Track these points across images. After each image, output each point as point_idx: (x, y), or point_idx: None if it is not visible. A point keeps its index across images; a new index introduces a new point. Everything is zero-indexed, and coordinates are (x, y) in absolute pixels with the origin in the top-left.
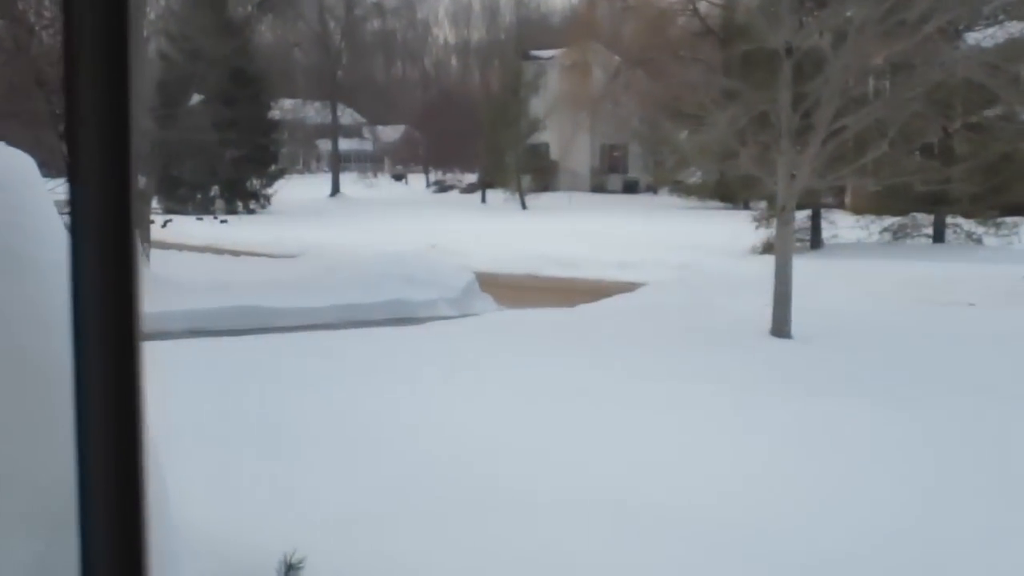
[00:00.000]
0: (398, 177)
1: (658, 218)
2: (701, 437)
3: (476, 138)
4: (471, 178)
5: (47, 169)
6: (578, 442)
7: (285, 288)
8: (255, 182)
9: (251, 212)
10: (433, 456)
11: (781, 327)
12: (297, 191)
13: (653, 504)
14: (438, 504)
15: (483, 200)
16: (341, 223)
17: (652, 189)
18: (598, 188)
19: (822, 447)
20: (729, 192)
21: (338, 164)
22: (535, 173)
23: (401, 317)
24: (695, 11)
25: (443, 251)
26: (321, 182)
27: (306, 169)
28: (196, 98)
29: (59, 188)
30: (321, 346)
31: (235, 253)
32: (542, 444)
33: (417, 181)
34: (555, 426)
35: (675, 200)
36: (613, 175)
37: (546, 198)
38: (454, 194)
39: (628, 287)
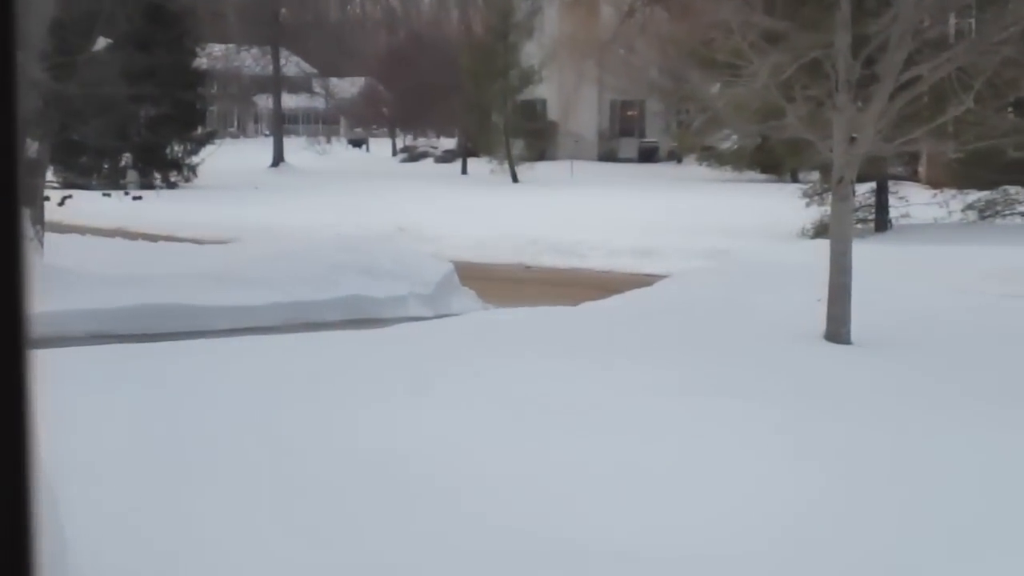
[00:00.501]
0: (357, 142)
1: (683, 193)
2: (748, 472)
3: (455, 93)
4: (448, 144)
5: None
6: (604, 486)
7: (215, 282)
8: (177, 148)
9: (172, 186)
10: (405, 497)
11: (837, 329)
12: (230, 159)
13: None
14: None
15: (464, 171)
16: (286, 200)
17: (675, 157)
18: (608, 156)
19: (910, 495)
20: (772, 160)
21: (281, 126)
22: (529, 137)
23: (361, 318)
24: None
25: (414, 235)
26: (260, 148)
27: (241, 132)
28: (102, 42)
29: None
30: (260, 354)
31: (152, 237)
32: (558, 487)
33: (381, 147)
34: (568, 464)
35: (704, 171)
36: (626, 140)
37: (543, 168)
38: (427, 164)
39: (645, 280)
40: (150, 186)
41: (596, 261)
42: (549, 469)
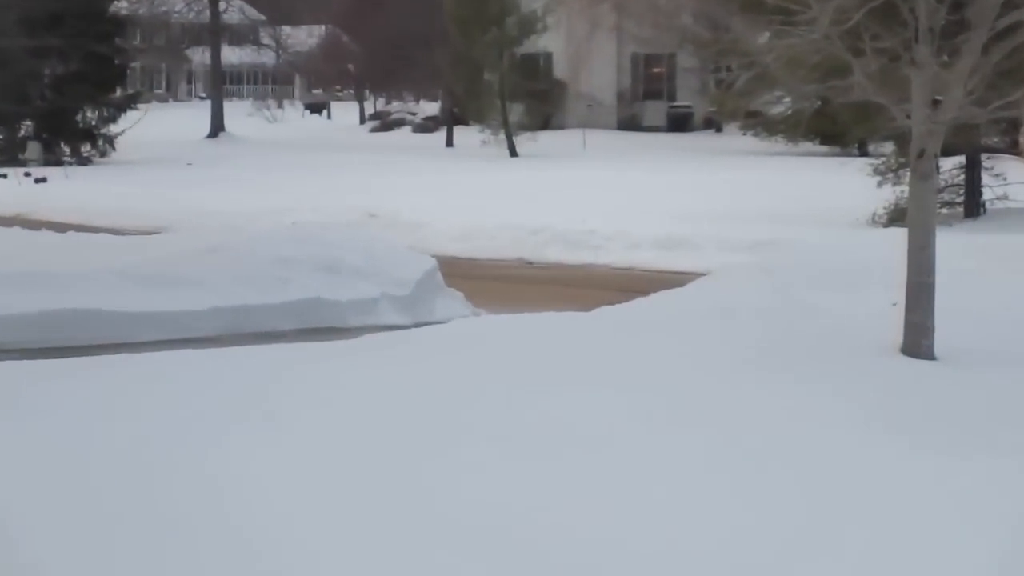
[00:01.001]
0: (316, 107)
1: (723, 169)
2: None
3: (438, 45)
4: (430, 108)
5: None
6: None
7: (139, 282)
8: (90, 115)
9: (85, 161)
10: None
11: (917, 341)
12: (158, 128)
13: None
14: None
15: (449, 143)
16: (227, 179)
17: (713, 125)
18: (629, 124)
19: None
20: (834, 129)
21: (221, 87)
22: (531, 100)
23: (319, 326)
24: None
25: (387, 223)
26: (195, 114)
27: (171, 95)
28: None
29: None
30: (192, 373)
31: (60, 227)
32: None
33: (346, 113)
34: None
35: (749, 142)
36: (652, 104)
37: (548, 139)
38: (404, 133)
39: (675, 279)
40: (57, 162)
41: (614, 255)
42: None
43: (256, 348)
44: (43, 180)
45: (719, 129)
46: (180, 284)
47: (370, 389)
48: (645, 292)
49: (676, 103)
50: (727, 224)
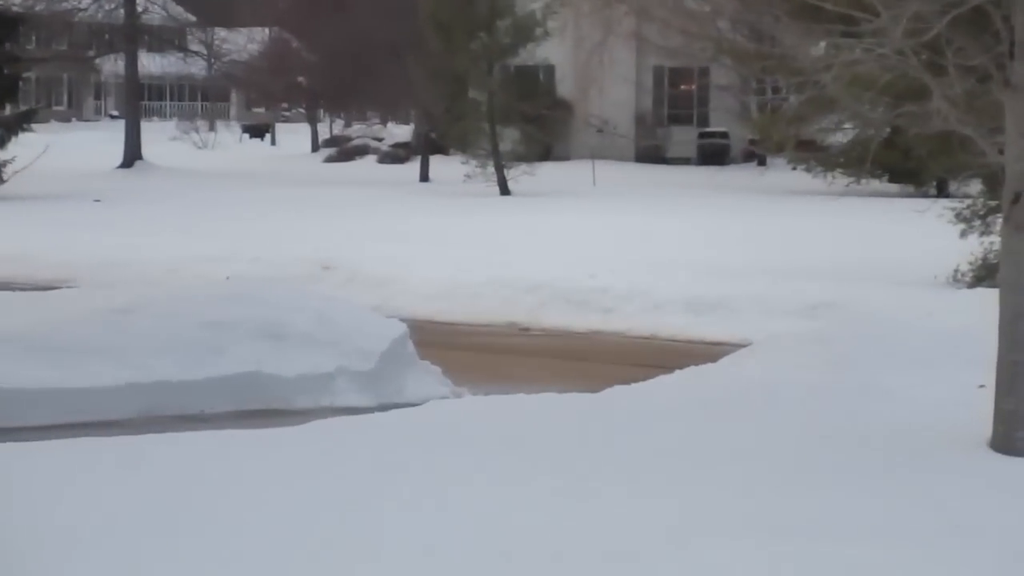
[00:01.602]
0: (257, 131)
1: (769, 213)
2: None
3: (411, 55)
4: (401, 133)
5: None
6: None
7: (34, 350)
8: None
9: None
10: None
11: (1011, 433)
12: (59, 155)
13: None
14: None
15: (424, 176)
16: (144, 220)
17: (756, 158)
18: (651, 155)
19: None
20: (907, 165)
21: (139, 104)
22: (528, 125)
23: (260, 408)
24: None
25: (345, 278)
26: (106, 137)
27: (76, 113)
28: None
29: None
30: (97, 468)
31: None
32: None
33: (295, 137)
34: None
35: (801, 179)
36: (679, 129)
37: (549, 173)
38: (367, 163)
39: (709, 351)
40: None
41: (631, 320)
42: None
43: (177, 435)
44: None
45: (763, 163)
46: (85, 353)
47: (319, 493)
48: (669, 368)
49: (709, 130)
50: (772, 282)
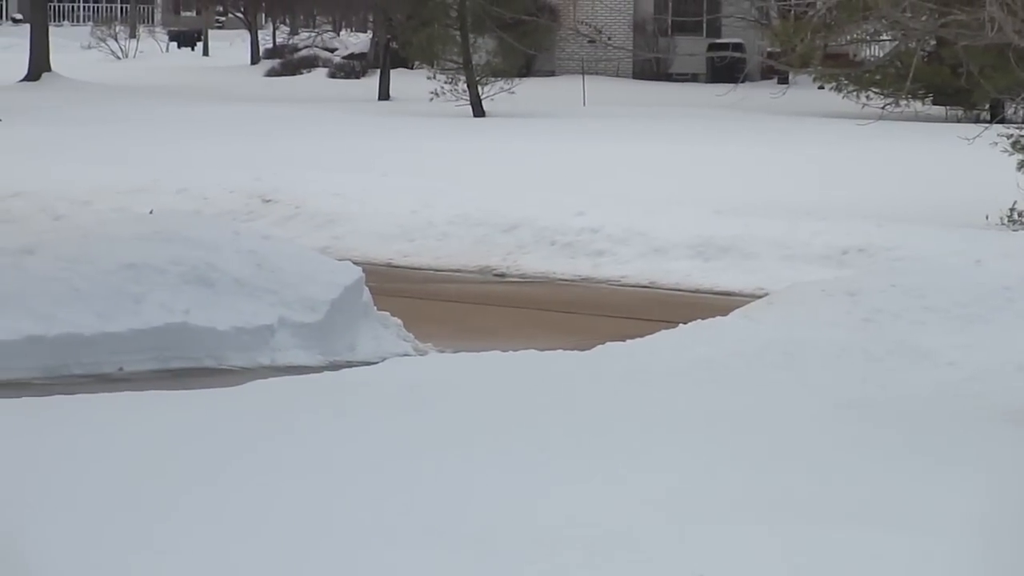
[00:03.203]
0: (186, 38)
1: (791, 140)
2: None
3: None
4: (356, 43)
5: None
6: None
7: None
8: None
9: None
10: None
11: None
12: None
13: None
14: None
15: (384, 94)
16: (52, 141)
17: (776, 74)
18: (651, 70)
19: None
20: (955, 84)
21: (46, 6)
22: (506, 33)
23: (185, 367)
24: None
25: (288, 213)
26: (7, 45)
27: None
28: None
29: None
30: None
31: None
32: None
33: (231, 47)
34: None
35: (829, 100)
36: (686, 40)
37: (531, 90)
38: (317, 77)
39: (719, 302)
40: None
41: (626, 266)
42: None
43: (89, 398)
44: None
45: (784, 80)
46: None
47: (255, 464)
48: (671, 322)
49: (720, 40)
50: (794, 222)
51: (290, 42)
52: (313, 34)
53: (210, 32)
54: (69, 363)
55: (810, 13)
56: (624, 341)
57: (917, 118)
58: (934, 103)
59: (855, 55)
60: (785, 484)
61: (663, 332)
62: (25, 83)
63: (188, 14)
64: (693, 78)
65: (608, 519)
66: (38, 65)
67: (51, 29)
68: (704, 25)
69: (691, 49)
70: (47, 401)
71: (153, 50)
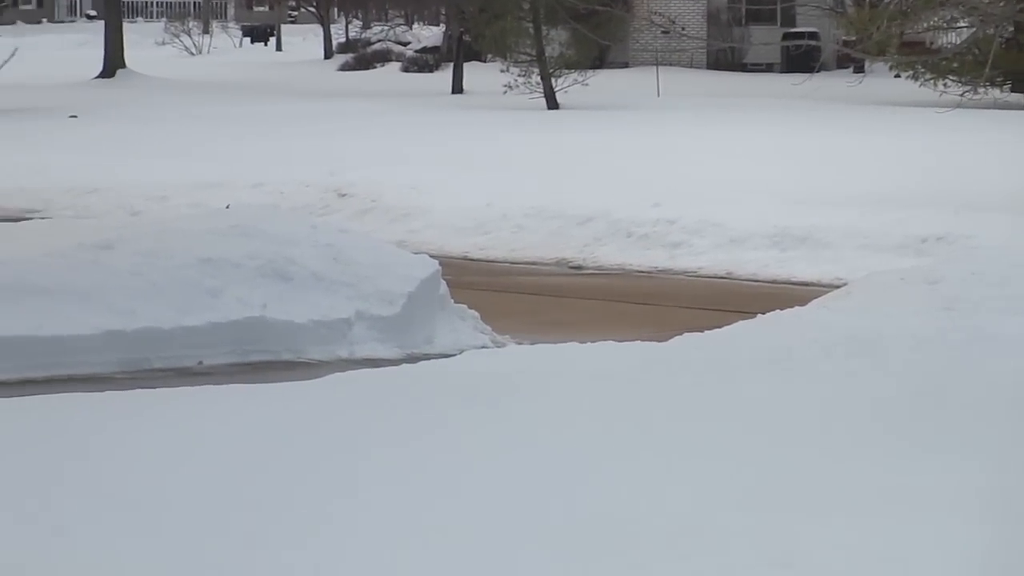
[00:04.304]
0: (259, 33)
1: (868, 129)
2: None
3: None
4: (430, 36)
5: None
6: None
7: None
8: None
9: None
10: None
11: None
12: (29, 63)
13: None
14: None
15: (458, 87)
16: (127, 138)
17: (852, 62)
18: (726, 60)
19: None
20: None
21: (120, 3)
22: (580, 25)
23: (263, 360)
24: None
25: (363, 207)
26: (82, 41)
27: (47, 13)
28: None
29: None
30: (72, 432)
31: None
32: None
33: (304, 42)
34: None
35: (906, 88)
36: (759, 30)
37: (604, 82)
38: (390, 72)
39: (796, 292)
40: None
41: (702, 257)
42: None
43: (168, 392)
44: None
45: (860, 69)
46: (56, 296)
47: (328, 459)
48: (749, 313)
49: (795, 30)
50: (871, 211)
51: (363, 36)
52: (386, 28)
53: (283, 27)
54: (149, 357)
55: (886, 0)
56: (702, 332)
57: (995, 105)
58: (1012, 90)
59: (932, 42)
60: (866, 474)
61: (741, 323)
62: (100, 80)
63: (261, 9)
64: (768, 68)
65: (687, 511)
66: (113, 62)
67: (125, 26)
68: (779, 14)
69: (766, 39)
70: (127, 395)
71: (226, 46)
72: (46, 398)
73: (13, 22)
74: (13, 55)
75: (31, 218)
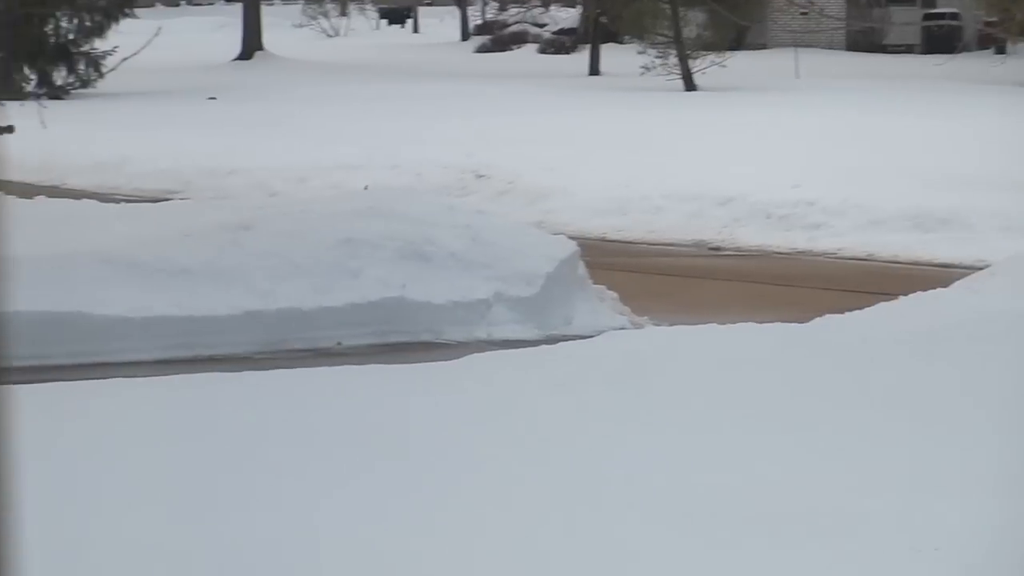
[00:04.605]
0: (397, 16)
1: (1011, 110)
2: None
3: None
4: (566, 18)
5: None
6: None
7: (137, 272)
8: (65, 24)
9: (59, 93)
10: None
11: None
12: (168, 46)
13: None
14: None
15: (594, 69)
16: (266, 120)
17: (994, 43)
18: (865, 42)
19: None
20: None
21: None
22: (718, 6)
23: (402, 341)
24: None
25: (501, 188)
26: (220, 24)
27: None
28: None
29: None
30: (211, 410)
31: (22, 190)
32: None
33: (441, 24)
34: None
35: None
36: (900, 11)
37: (743, 64)
38: (526, 53)
39: (939, 274)
40: (18, 94)
41: (843, 238)
42: None
43: (313, 372)
44: (8, 130)
45: (1002, 49)
46: (197, 276)
47: (480, 437)
48: (891, 294)
49: (936, 10)
50: (1015, 193)
51: (500, 18)
52: (522, 10)
53: (420, 9)
54: (288, 338)
55: None
56: (843, 314)
57: None
58: None
59: None
60: (1013, 459)
61: (882, 304)
62: (238, 62)
63: None
64: (908, 49)
65: (832, 495)
66: (251, 44)
67: (263, 8)
68: None
69: (906, 19)
70: (268, 375)
71: (364, 28)
72: (188, 377)
73: (152, 5)
74: (157, 34)
75: (171, 199)
